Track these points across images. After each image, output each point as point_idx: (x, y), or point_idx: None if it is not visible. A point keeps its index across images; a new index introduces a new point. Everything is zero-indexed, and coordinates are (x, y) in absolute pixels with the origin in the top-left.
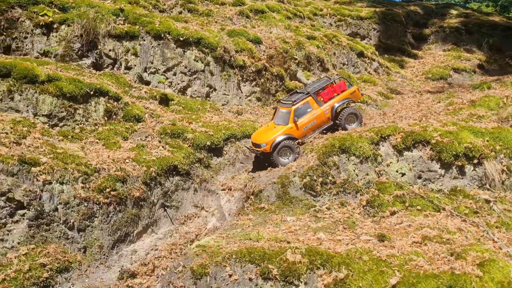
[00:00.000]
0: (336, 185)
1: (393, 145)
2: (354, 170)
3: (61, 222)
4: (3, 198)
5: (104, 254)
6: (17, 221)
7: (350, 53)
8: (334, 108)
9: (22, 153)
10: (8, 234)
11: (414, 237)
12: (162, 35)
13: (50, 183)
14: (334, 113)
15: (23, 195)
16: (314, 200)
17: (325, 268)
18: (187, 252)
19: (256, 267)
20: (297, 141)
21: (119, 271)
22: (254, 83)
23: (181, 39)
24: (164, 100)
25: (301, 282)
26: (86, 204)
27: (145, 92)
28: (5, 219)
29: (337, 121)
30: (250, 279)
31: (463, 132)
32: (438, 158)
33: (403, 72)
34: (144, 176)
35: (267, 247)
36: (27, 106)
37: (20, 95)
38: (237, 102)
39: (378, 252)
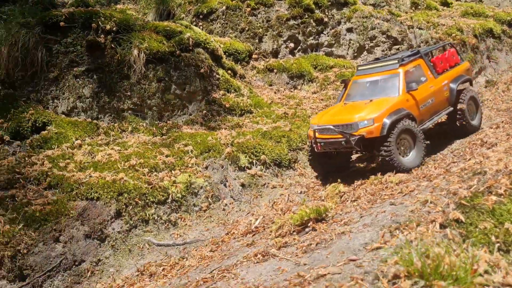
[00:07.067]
0: None
1: None
2: None
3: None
4: (383, 35)
5: None
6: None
7: None
8: (452, 88)
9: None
10: None
11: None
12: None
13: (412, 27)
14: (454, 95)
15: (397, 34)
16: None
17: None
18: None
19: None
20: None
21: None
22: None
23: None
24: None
25: None
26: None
27: None
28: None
29: (459, 106)
30: None
31: None
32: None
33: None
34: (472, 32)
35: None
36: None
37: None
38: (507, 4)
39: None
